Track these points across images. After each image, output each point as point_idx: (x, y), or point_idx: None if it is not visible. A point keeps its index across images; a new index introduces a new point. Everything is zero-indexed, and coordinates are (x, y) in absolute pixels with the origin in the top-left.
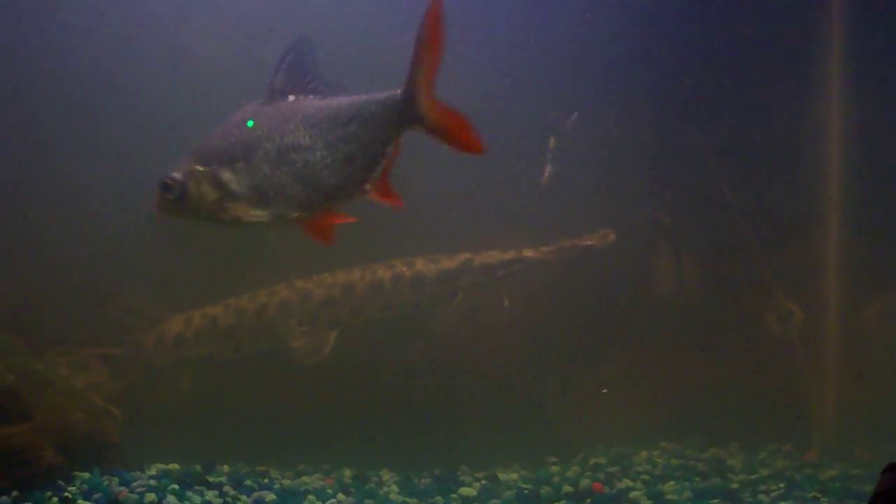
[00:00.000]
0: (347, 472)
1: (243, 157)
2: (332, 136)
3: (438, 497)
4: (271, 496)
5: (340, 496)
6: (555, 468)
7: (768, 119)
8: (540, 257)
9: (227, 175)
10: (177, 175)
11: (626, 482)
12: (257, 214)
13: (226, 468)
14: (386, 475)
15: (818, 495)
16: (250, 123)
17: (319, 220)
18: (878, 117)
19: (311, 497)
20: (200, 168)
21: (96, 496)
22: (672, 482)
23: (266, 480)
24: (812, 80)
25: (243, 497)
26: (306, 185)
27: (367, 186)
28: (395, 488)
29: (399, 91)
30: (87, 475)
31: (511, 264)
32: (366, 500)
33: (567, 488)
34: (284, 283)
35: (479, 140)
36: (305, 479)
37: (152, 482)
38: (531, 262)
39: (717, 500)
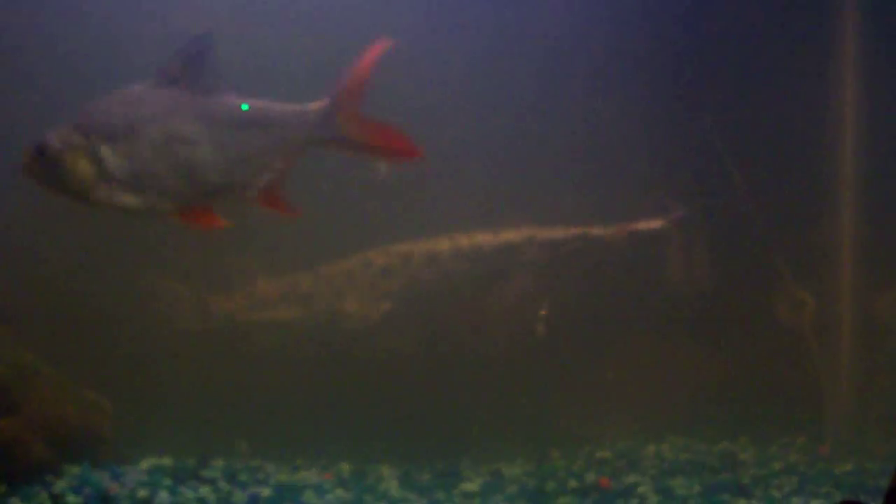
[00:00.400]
0: (346, 467)
1: (126, 137)
2: (226, 136)
3: (440, 492)
4: (267, 491)
5: (339, 491)
6: (560, 462)
7: (781, 107)
8: (605, 236)
9: (106, 152)
10: (54, 141)
11: (634, 477)
12: (128, 201)
13: (220, 462)
14: (385, 470)
15: (832, 490)
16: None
17: (195, 216)
18: (893, 105)
19: (308, 492)
20: (80, 138)
21: (86, 491)
22: (681, 477)
23: (262, 475)
24: (827, 68)
25: (238, 492)
26: (187, 179)
27: (253, 192)
28: (394, 483)
29: (316, 106)
30: (77, 469)
31: (575, 241)
32: (365, 496)
33: (573, 483)
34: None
35: (413, 146)
36: (303, 473)
37: (144, 477)
38: (596, 240)
39: (727, 495)
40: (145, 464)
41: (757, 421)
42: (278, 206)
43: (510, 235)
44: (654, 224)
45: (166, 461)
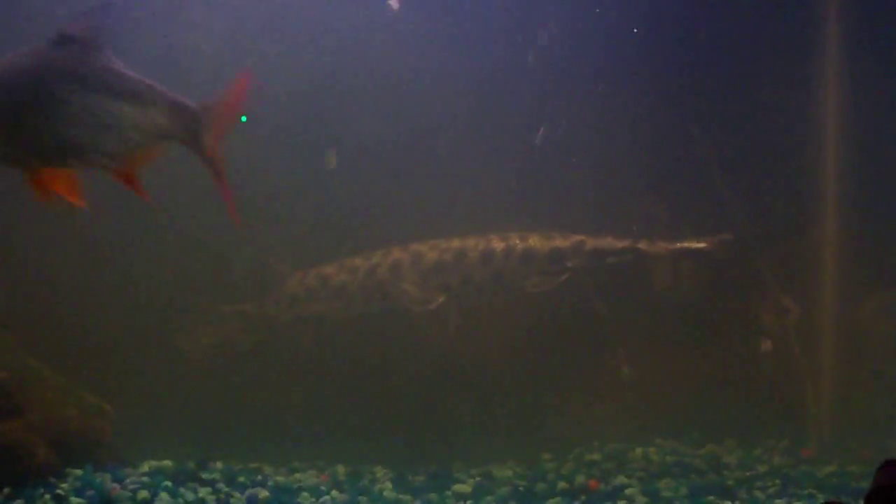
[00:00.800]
0: (341, 469)
1: None
2: (95, 101)
3: (433, 494)
4: (265, 493)
5: (334, 493)
6: (550, 465)
7: (766, 116)
8: (652, 251)
9: None
10: None
11: (622, 479)
12: None
13: (219, 465)
14: (380, 472)
15: (814, 492)
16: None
17: (48, 179)
18: (875, 115)
19: (304, 494)
20: None
21: (89, 493)
22: (668, 479)
23: (260, 477)
24: (810, 77)
25: (237, 494)
26: (48, 135)
27: (113, 163)
28: (388, 485)
29: (197, 106)
30: (79, 472)
31: (621, 253)
32: (360, 497)
33: (562, 484)
34: (400, 244)
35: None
36: (299, 475)
37: (145, 479)
38: (644, 254)
39: (712, 497)
40: (146, 466)
41: (742, 425)
42: (134, 186)
43: (560, 241)
44: (701, 244)
45: (167, 464)
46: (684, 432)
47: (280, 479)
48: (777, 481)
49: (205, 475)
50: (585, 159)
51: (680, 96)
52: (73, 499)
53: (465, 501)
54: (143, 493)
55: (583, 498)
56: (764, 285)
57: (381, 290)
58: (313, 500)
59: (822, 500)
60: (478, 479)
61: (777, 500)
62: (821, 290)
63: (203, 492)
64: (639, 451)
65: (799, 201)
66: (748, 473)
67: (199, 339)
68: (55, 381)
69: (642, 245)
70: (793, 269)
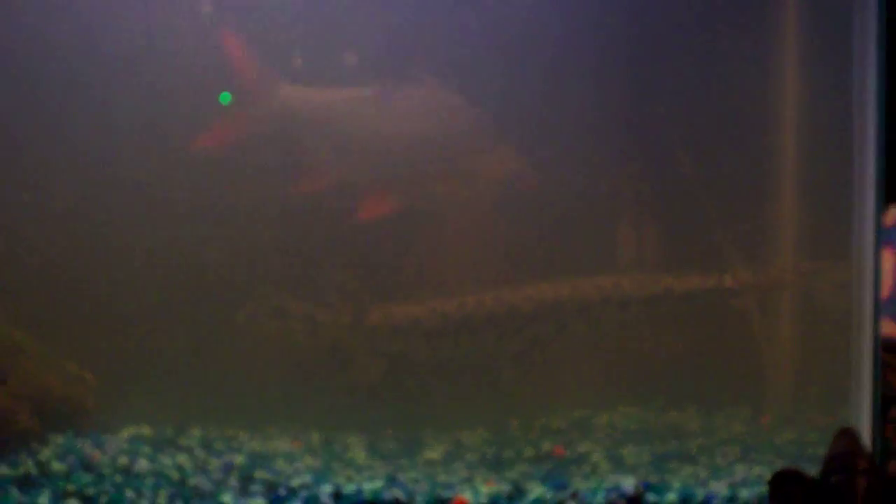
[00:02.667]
0: (315, 436)
1: None
2: None
3: (404, 460)
4: (241, 459)
5: (308, 459)
6: (517, 432)
7: (726, 89)
8: (688, 289)
9: None
10: None
11: (587, 445)
12: None
13: (196, 432)
14: (352, 439)
15: (773, 458)
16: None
17: None
18: (834, 87)
19: (279, 460)
20: None
21: (70, 459)
22: (631, 445)
23: (235, 444)
24: (770, 50)
25: (213, 460)
26: None
27: None
28: (361, 452)
29: None
30: (61, 438)
31: (658, 292)
32: (333, 463)
33: (529, 451)
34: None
35: None
36: (275, 442)
37: (125, 445)
38: (678, 293)
39: (675, 463)
40: (126, 433)
41: (703, 393)
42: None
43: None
44: (736, 280)
45: (145, 430)
46: (648, 400)
47: (255, 445)
48: (737, 448)
49: (182, 441)
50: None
51: (637, 65)
52: (55, 463)
53: (435, 467)
54: (123, 459)
55: (549, 464)
56: (724, 258)
57: (474, 341)
58: (287, 465)
59: (780, 467)
60: (447, 445)
61: (738, 466)
62: (779, 263)
63: (181, 458)
64: (604, 418)
65: (758, 173)
66: (709, 440)
67: (259, 319)
68: (37, 350)
69: (677, 283)
70: (751, 240)
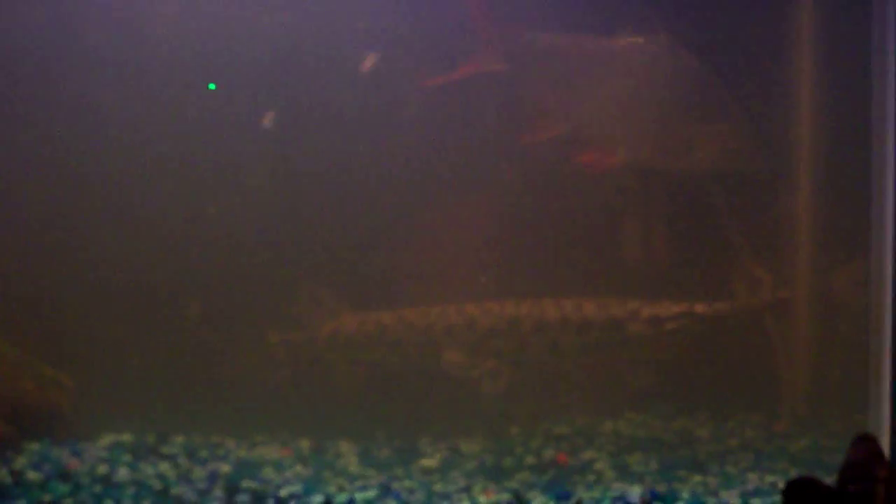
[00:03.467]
0: (305, 443)
1: None
2: None
3: (398, 469)
4: (227, 467)
5: (298, 468)
6: (518, 439)
7: (739, 79)
8: (708, 314)
9: None
10: None
11: (591, 453)
12: None
13: (179, 439)
14: (344, 446)
15: (787, 466)
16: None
17: None
18: (852, 78)
19: (267, 469)
20: None
21: (46, 467)
22: (638, 453)
23: (221, 452)
24: (784, 36)
25: (198, 468)
26: None
27: None
28: (353, 459)
29: None
30: (36, 446)
31: (678, 318)
32: (324, 472)
33: (530, 459)
34: (457, 305)
35: None
36: (262, 450)
37: (104, 453)
38: (699, 317)
39: (683, 472)
40: (105, 440)
41: (714, 398)
42: None
43: (615, 310)
44: (758, 301)
45: (126, 438)
46: (655, 406)
47: (242, 453)
48: (750, 455)
49: (165, 449)
50: None
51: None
52: (30, 472)
53: (431, 476)
54: (102, 468)
55: (551, 472)
56: (737, 255)
57: (435, 352)
58: (276, 474)
59: (795, 475)
60: (445, 453)
61: (749, 475)
62: (795, 261)
63: (163, 466)
64: (608, 425)
65: (773, 167)
66: (720, 447)
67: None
68: (11, 353)
69: (699, 307)
70: (766, 239)
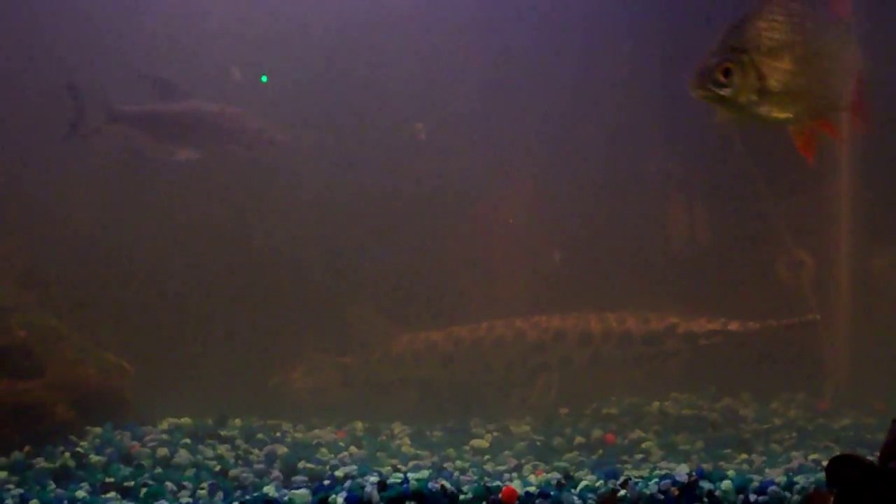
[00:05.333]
0: (359, 426)
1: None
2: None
3: (450, 449)
4: (283, 449)
5: (352, 449)
6: (567, 420)
7: None
8: (743, 332)
9: (768, 66)
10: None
11: (639, 433)
12: (775, 113)
13: (237, 422)
14: (398, 428)
15: (831, 445)
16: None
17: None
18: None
19: (323, 450)
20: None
21: (108, 451)
22: (685, 432)
23: (278, 434)
24: None
25: (255, 450)
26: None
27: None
28: (407, 441)
29: None
30: (99, 430)
31: (713, 336)
32: (378, 453)
33: (579, 439)
34: (505, 319)
35: None
36: (317, 432)
37: (164, 436)
38: (734, 335)
39: (729, 450)
40: (165, 424)
41: (758, 378)
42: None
43: (655, 324)
44: (791, 321)
45: (185, 421)
46: (700, 386)
47: (298, 435)
48: (794, 434)
49: (223, 432)
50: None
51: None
52: (93, 456)
53: (482, 456)
54: (163, 451)
55: (600, 452)
56: (779, 238)
57: (485, 366)
58: (332, 455)
59: (838, 453)
60: (495, 434)
61: (793, 453)
62: (836, 244)
63: (222, 448)
64: (655, 405)
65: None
66: (764, 426)
67: (294, 382)
68: (75, 340)
69: (732, 325)
70: (807, 221)
